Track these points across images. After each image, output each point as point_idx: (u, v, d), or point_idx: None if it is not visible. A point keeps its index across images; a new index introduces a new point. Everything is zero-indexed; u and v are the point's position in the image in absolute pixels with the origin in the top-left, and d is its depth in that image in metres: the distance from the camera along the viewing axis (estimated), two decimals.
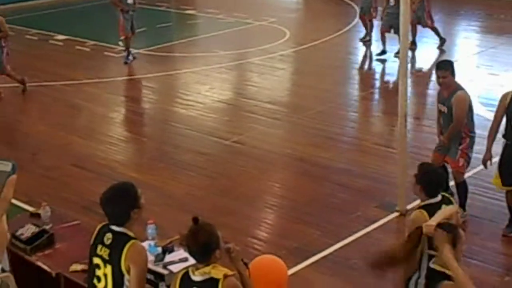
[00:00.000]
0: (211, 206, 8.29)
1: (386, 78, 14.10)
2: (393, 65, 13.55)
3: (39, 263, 5.79)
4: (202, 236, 4.32)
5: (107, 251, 4.64)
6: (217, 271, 4.28)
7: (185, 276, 4.39)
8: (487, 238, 7.51)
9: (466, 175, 8.12)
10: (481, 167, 7.85)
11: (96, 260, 4.71)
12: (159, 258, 5.45)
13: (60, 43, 16.70)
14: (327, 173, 9.38)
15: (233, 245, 4.49)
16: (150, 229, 5.75)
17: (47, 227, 6.14)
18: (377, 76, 14.42)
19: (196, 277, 4.33)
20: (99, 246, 4.69)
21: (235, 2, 20.87)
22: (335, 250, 7.31)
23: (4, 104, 12.75)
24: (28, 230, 6.06)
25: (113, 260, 4.60)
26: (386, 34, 14.34)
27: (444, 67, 7.78)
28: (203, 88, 13.16)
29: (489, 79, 12.95)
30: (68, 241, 5.91)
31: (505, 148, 7.46)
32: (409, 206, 8.21)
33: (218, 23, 18.27)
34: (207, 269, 4.30)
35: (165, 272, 5.28)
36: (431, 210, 5.17)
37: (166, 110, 12.17)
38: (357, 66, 15.17)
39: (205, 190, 8.92)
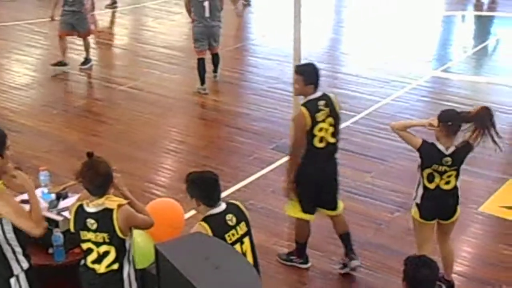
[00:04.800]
0: (107, 152, 8.10)
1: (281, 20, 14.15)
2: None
3: None
4: (103, 167, 4.39)
5: None
6: (111, 202, 4.38)
7: (79, 209, 4.45)
8: (377, 176, 7.75)
9: (359, 115, 8.27)
10: (374, 107, 7.99)
11: None
12: (53, 205, 5.34)
13: None
14: (224, 117, 9.42)
15: (114, 173, 4.50)
16: (43, 176, 5.64)
17: None
18: (274, 19, 14.44)
19: (91, 208, 4.40)
20: None
21: None
22: (232, 192, 7.36)
23: None
24: None
25: None
26: None
27: None
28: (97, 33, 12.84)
29: None
30: None
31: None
32: None
33: None
34: (100, 200, 4.38)
35: (59, 218, 5.18)
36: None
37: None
38: (253, 10, 15.15)
39: (100, 136, 8.79)
